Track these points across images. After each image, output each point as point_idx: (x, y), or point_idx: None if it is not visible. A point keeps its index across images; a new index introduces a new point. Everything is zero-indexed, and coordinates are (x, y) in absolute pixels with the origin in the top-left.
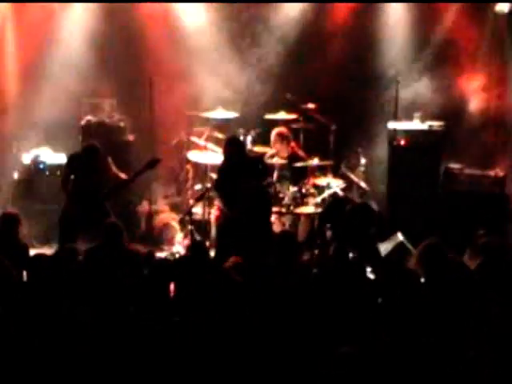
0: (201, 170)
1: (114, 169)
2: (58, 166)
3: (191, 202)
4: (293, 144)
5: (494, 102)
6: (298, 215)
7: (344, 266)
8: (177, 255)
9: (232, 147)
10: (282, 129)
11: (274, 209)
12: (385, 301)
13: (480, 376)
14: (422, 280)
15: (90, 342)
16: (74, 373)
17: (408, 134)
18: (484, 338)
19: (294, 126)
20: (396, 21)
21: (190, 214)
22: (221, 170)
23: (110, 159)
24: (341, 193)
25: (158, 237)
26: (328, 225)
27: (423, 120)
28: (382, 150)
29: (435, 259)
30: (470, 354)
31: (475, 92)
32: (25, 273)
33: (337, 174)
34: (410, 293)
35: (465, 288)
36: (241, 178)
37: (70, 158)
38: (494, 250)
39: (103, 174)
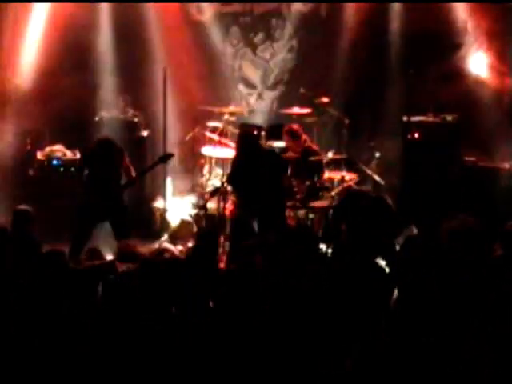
0: (215, 165)
1: (128, 162)
2: (73, 162)
3: (206, 196)
4: (305, 137)
5: (507, 93)
6: (313, 209)
7: (356, 260)
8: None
9: (246, 141)
10: (291, 126)
11: (289, 203)
12: (399, 294)
13: (480, 376)
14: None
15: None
16: (75, 373)
17: (422, 127)
18: (486, 338)
19: (308, 120)
20: (409, 13)
21: (204, 208)
22: (234, 163)
23: (125, 152)
24: (355, 186)
25: (173, 232)
26: (343, 219)
27: (437, 113)
28: (396, 144)
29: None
30: (470, 354)
31: (489, 84)
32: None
33: (351, 167)
34: (425, 287)
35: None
36: (256, 171)
37: (84, 152)
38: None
39: (118, 165)
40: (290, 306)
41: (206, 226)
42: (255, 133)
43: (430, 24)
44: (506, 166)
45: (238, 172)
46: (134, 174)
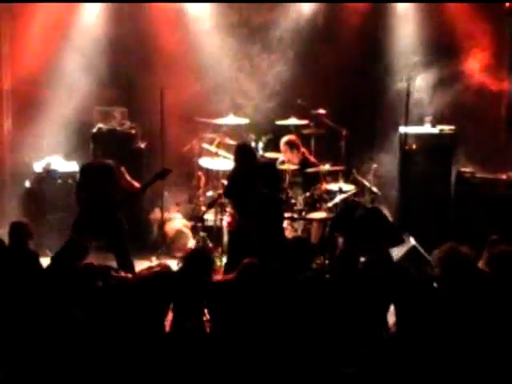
0: (212, 177)
1: (128, 177)
2: (70, 174)
3: (203, 208)
4: (303, 150)
5: (504, 104)
6: (310, 221)
7: (352, 271)
8: None
9: (243, 153)
10: (290, 137)
11: (286, 214)
12: (398, 305)
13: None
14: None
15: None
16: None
17: (419, 138)
18: (494, 345)
19: (305, 131)
20: (406, 21)
21: (202, 220)
22: (232, 176)
23: (123, 169)
24: (352, 198)
25: (170, 244)
26: (339, 231)
27: (434, 124)
28: (393, 155)
29: (459, 263)
30: (478, 360)
31: (486, 90)
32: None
33: (348, 179)
34: (424, 298)
35: (481, 295)
36: (253, 183)
37: (85, 169)
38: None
39: (117, 185)
40: (288, 315)
41: (195, 248)
42: (252, 144)
43: (427, 32)
44: (504, 176)
45: (234, 184)
46: (137, 186)
